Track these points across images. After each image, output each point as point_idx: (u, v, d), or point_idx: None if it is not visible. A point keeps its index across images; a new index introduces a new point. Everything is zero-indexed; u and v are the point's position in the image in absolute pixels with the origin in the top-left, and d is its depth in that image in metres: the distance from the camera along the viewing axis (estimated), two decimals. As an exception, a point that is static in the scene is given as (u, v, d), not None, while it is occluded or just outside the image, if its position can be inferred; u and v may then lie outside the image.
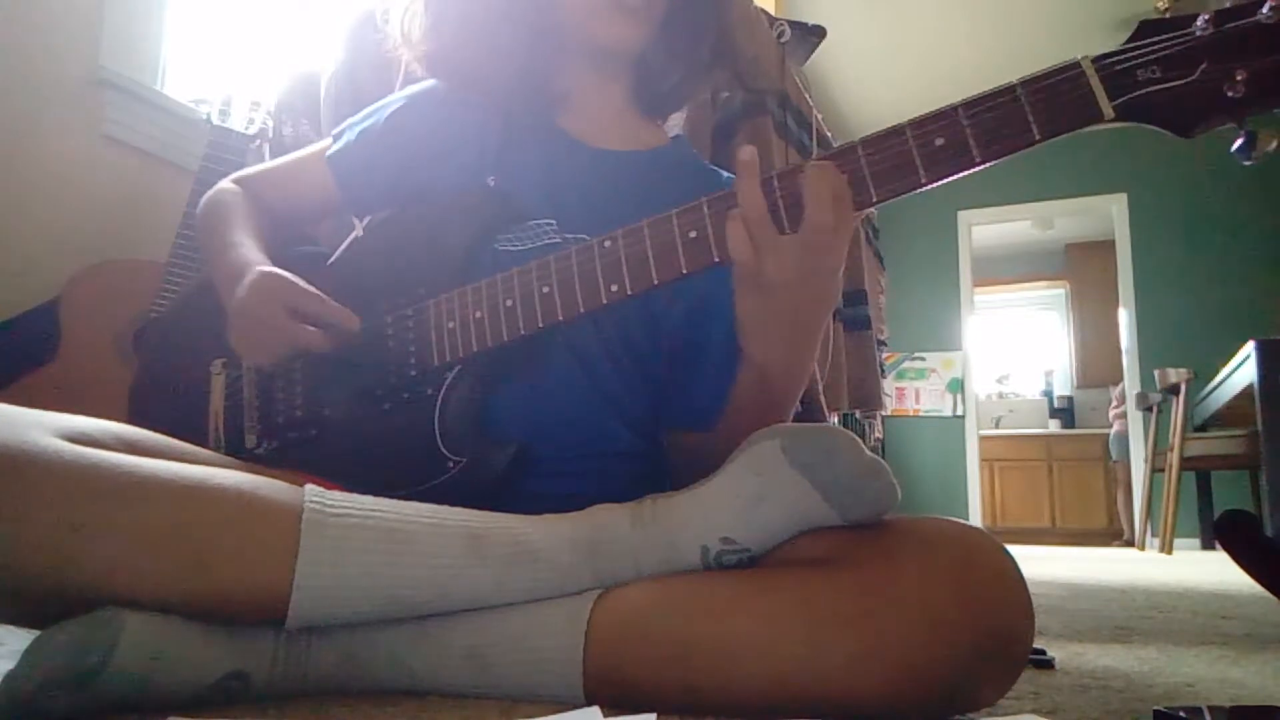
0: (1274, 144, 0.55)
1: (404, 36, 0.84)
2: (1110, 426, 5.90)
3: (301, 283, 0.75)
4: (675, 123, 0.96)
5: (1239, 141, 0.56)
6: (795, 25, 1.39)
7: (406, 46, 0.84)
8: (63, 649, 0.48)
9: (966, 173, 0.59)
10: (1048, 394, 7.25)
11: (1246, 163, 0.56)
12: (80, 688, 0.48)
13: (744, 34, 1.22)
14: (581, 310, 0.67)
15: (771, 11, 2.47)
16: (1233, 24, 0.53)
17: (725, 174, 0.91)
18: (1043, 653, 0.83)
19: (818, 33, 1.47)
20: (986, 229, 6.05)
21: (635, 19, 0.78)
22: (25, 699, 0.47)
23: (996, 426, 7.02)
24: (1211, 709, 0.59)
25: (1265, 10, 0.52)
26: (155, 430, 0.63)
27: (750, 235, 0.60)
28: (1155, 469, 4.18)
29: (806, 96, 1.45)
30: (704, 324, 0.80)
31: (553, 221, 0.78)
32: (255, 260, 0.78)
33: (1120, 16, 4.22)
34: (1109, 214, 5.48)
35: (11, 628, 0.61)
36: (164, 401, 0.91)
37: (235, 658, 0.54)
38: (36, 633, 0.50)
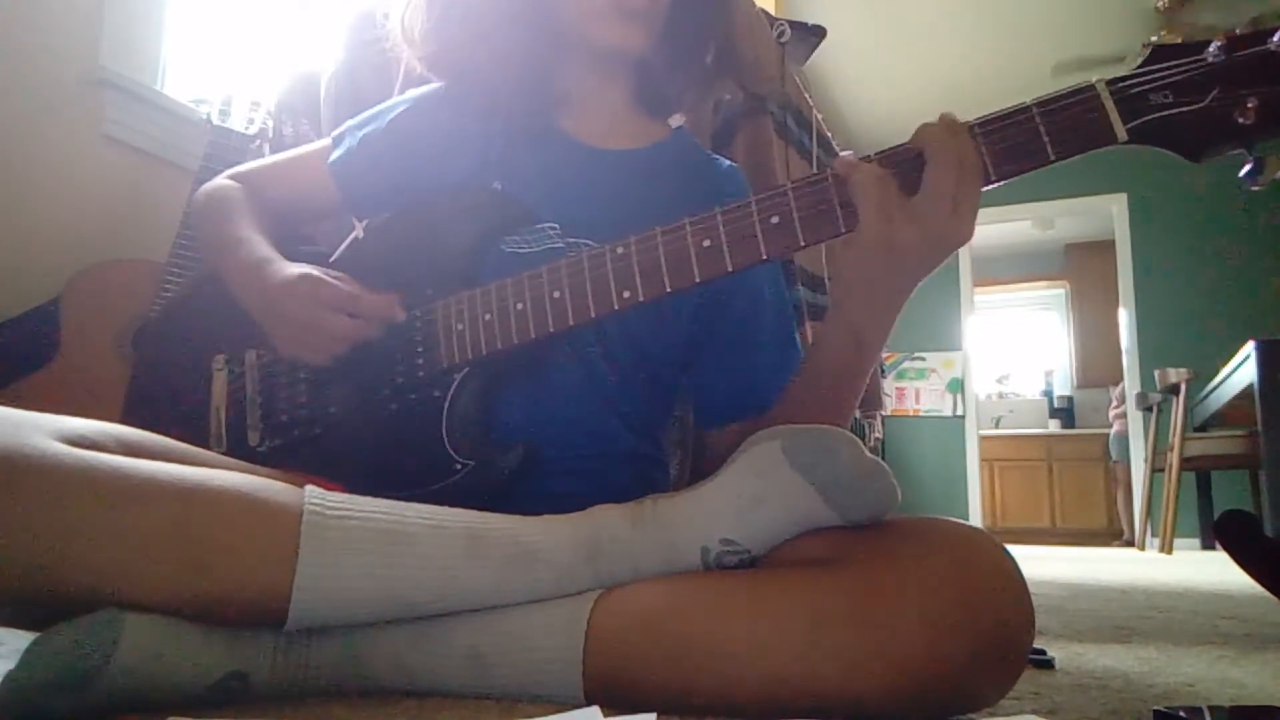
0: None
1: (405, 36, 0.84)
2: (1110, 426, 5.89)
3: (336, 282, 0.74)
4: (674, 120, 0.95)
5: (1247, 167, 0.57)
6: (795, 25, 1.39)
7: (408, 46, 0.84)
8: (63, 650, 0.48)
9: (981, 190, 0.60)
10: (1048, 394, 7.25)
11: (1254, 188, 0.57)
12: (81, 689, 0.48)
13: (745, 36, 1.22)
14: (593, 315, 0.68)
15: (771, 11, 2.47)
16: (1244, 52, 0.55)
17: (726, 162, 0.92)
18: (1043, 653, 0.83)
19: (818, 33, 1.47)
20: (986, 229, 6.04)
21: (636, 22, 0.77)
22: (26, 700, 0.47)
23: (996, 426, 7.02)
24: (1211, 709, 0.59)
25: (1276, 39, 0.54)
26: (154, 429, 0.63)
27: (878, 201, 0.60)
28: (1155, 469, 4.18)
29: (806, 96, 1.45)
30: (713, 320, 0.81)
31: (555, 226, 0.78)
32: (272, 257, 0.78)
33: (1120, 16, 4.22)
34: (1109, 214, 5.48)
35: (12, 629, 0.61)
36: (163, 399, 0.90)
37: (235, 658, 0.54)
38: (36, 634, 0.50)
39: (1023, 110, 0.58)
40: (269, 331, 0.77)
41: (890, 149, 0.62)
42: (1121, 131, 0.57)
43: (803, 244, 0.63)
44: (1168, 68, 0.57)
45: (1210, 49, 0.55)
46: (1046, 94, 0.58)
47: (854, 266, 0.64)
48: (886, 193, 0.60)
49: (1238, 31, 0.55)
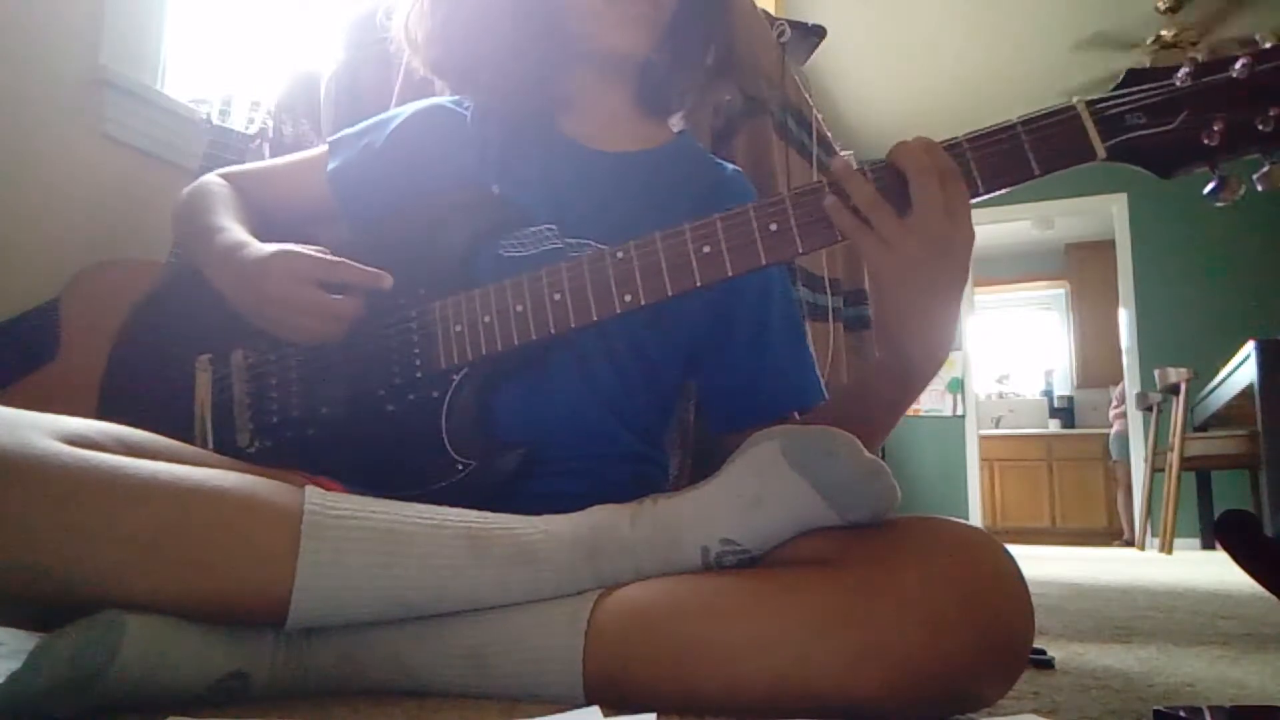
0: (1243, 189, 0.61)
1: (409, 39, 0.84)
2: (1110, 426, 5.90)
3: (318, 253, 0.73)
4: (674, 123, 0.95)
5: (1211, 185, 0.61)
6: (795, 25, 1.39)
7: (410, 49, 0.84)
8: (67, 654, 0.48)
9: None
10: (1048, 394, 7.25)
11: (1218, 204, 0.62)
12: (84, 691, 0.48)
13: (745, 36, 1.22)
14: (595, 318, 0.68)
15: (771, 11, 2.47)
16: (1209, 78, 0.59)
17: (730, 166, 0.92)
18: (1043, 653, 0.83)
19: (818, 33, 1.46)
20: (986, 229, 6.04)
21: (639, 25, 0.77)
22: (30, 703, 0.47)
23: (996, 426, 7.02)
24: (1211, 709, 0.59)
25: (1238, 66, 0.58)
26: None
27: (872, 224, 0.61)
28: (1155, 469, 4.18)
29: (806, 96, 1.45)
30: (725, 323, 0.82)
31: (554, 227, 0.78)
32: (248, 241, 0.76)
33: (1117, 19, 4.22)
34: (1109, 214, 5.48)
35: (12, 629, 0.61)
36: (140, 400, 0.87)
37: (235, 658, 0.54)
38: (36, 634, 0.50)
39: (1009, 128, 0.62)
40: (252, 318, 0.74)
41: (872, 165, 0.63)
42: (1101, 149, 0.60)
43: (801, 251, 0.64)
44: (1140, 91, 0.60)
45: (1178, 74, 0.59)
46: (1029, 113, 0.62)
47: (881, 302, 0.65)
48: (882, 218, 0.61)
49: (1200, 59, 0.59)
